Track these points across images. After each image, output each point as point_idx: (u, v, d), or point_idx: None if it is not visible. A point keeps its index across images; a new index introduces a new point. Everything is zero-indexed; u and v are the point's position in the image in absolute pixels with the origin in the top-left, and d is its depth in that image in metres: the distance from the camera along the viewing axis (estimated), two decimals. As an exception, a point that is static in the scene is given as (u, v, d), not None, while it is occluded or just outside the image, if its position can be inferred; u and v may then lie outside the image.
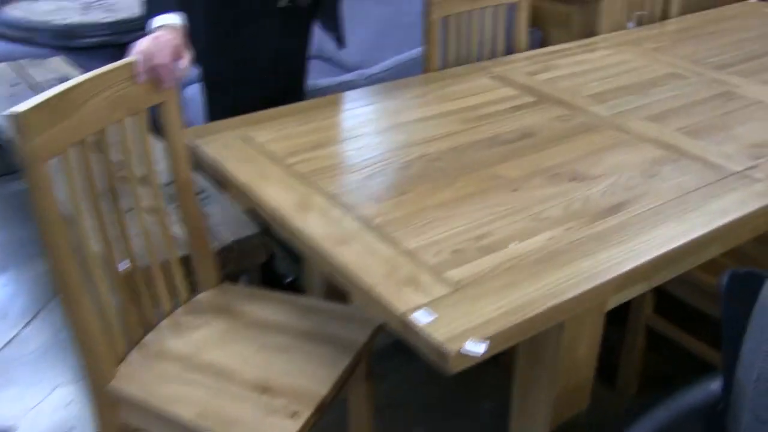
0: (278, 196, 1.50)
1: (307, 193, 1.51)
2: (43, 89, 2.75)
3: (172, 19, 1.61)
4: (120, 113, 1.48)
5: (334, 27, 2.12)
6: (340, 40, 2.14)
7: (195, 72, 2.10)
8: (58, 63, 3.07)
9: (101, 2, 3.72)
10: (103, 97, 1.43)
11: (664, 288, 1.84)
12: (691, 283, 1.83)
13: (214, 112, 2.07)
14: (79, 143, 1.39)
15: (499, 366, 1.85)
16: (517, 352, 1.48)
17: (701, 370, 1.42)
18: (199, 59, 2.04)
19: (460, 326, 1.13)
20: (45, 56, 3.13)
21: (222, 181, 1.65)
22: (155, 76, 1.52)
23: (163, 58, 1.51)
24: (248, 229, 2.02)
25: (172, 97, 1.59)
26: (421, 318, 1.15)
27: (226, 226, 2.03)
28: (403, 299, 1.19)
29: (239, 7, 1.96)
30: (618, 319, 1.79)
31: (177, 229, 1.75)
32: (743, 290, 1.19)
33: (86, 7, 3.62)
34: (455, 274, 1.26)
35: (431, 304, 1.18)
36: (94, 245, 1.43)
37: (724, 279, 1.21)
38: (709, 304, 1.84)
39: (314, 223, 1.41)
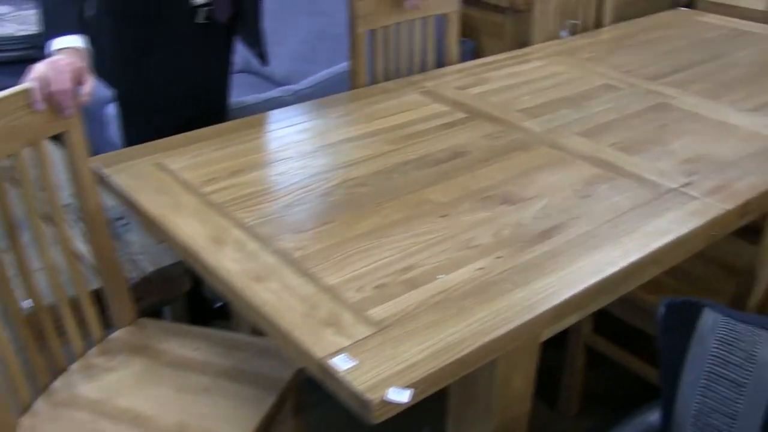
0: (191, 229, 1.40)
1: (222, 225, 1.42)
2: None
3: (72, 42, 1.50)
4: (16, 144, 1.37)
5: (256, 43, 2.02)
6: (262, 57, 2.05)
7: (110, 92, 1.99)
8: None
9: (15, 14, 3.55)
10: (-5, 128, 1.32)
11: (602, 307, 1.78)
12: (630, 303, 1.78)
13: (130, 135, 1.95)
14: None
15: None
16: (450, 386, 1.40)
17: (643, 389, 1.36)
18: (110, 80, 1.93)
19: (383, 372, 1.05)
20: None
21: (135, 214, 1.54)
22: (54, 103, 1.41)
23: (62, 83, 1.40)
24: (170, 257, 1.91)
25: (75, 125, 1.48)
26: (341, 364, 1.06)
27: (147, 255, 1.92)
28: (323, 343, 1.10)
29: (151, 24, 1.85)
30: (557, 340, 1.72)
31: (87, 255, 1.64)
32: (681, 320, 1.13)
33: (0, 20, 3.45)
34: (378, 312, 1.17)
35: (352, 348, 1.09)
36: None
37: (661, 309, 1.15)
38: (648, 322, 1.79)
39: (229, 259, 1.31)
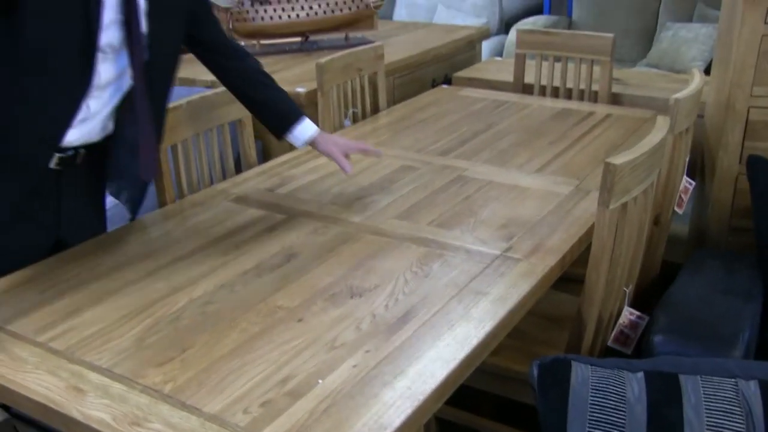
0: (41, 383, 1.31)
1: (75, 371, 1.33)
2: None
3: None
4: None
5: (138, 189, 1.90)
6: (134, 210, 1.93)
7: None
8: None
9: None
10: None
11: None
12: (478, 369, 1.86)
13: None
14: None
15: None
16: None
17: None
18: None
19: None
20: None
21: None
22: None
23: None
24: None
25: None
26: (254, 492, 1.04)
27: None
28: (226, 474, 1.07)
29: None
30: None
31: None
32: (554, 377, 1.22)
33: None
34: (274, 430, 1.16)
35: (259, 473, 1.07)
36: None
37: (533, 371, 1.23)
38: (494, 383, 1.89)
39: (95, 407, 1.24)
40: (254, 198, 2.06)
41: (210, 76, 2.90)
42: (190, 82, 2.86)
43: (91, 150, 1.75)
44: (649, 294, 2.24)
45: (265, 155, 2.84)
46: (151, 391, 1.27)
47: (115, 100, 1.72)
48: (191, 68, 3.14)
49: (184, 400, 1.24)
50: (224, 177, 2.29)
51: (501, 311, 1.47)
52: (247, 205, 2.01)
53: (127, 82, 1.70)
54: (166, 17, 1.71)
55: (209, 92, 2.24)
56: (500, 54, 4.98)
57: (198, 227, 1.89)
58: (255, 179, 2.21)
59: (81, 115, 1.66)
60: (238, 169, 2.36)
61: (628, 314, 1.86)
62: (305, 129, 2.02)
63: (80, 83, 1.62)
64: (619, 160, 1.55)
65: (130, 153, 1.77)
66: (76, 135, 1.69)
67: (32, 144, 1.65)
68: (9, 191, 1.69)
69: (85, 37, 1.57)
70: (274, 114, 2.03)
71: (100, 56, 1.61)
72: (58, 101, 1.62)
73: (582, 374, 1.19)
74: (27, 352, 1.40)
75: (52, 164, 1.69)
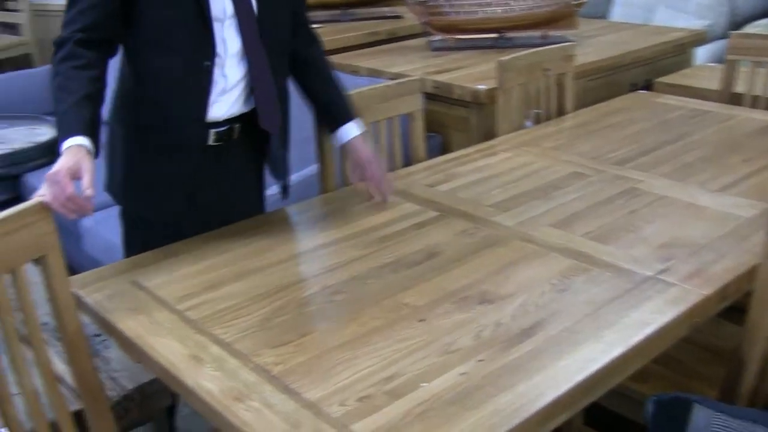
0: (168, 348, 1.38)
1: (200, 342, 1.40)
2: None
3: (77, 141, 1.53)
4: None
5: (282, 175, 1.98)
6: (285, 190, 2.01)
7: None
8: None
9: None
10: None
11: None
12: (617, 393, 1.76)
13: (131, 251, 1.92)
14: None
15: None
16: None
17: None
18: (116, 194, 1.92)
19: (371, 492, 1.02)
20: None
21: (110, 335, 1.52)
22: (70, 209, 1.46)
23: (61, 192, 1.45)
24: (149, 374, 1.87)
25: (52, 249, 1.47)
26: (328, 486, 1.04)
27: (126, 371, 1.88)
28: (308, 464, 1.08)
29: (158, 140, 1.79)
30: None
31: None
32: (671, 417, 1.12)
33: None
34: (363, 427, 1.15)
35: (338, 468, 1.07)
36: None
37: (649, 407, 1.13)
38: (637, 412, 1.77)
39: (208, 378, 1.29)
40: (413, 192, 2.06)
41: (397, 68, 2.95)
42: (377, 73, 2.92)
43: (246, 127, 1.83)
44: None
45: (444, 150, 2.84)
46: (261, 370, 1.30)
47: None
48: (379, 59, 3.21)
49: (288, 383, 1.26)
50: (391, 170, 2.31)
51: (635, 337, 1.37)
52: (404, 199, 2.01)
53: None
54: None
55: (381, 84, 2.26)
56: (722, 60, 4.64)
57: (349, 217, 1.91)
58: (419, 174, 2.20)
59: (219, 86, 1.75)
60: (408, 163, 2.37)
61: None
62: (346, 132, 1.97)
63: (205, 53, 1.71)
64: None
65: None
66: (223, 108, 1.78)
67: (183, 123, 1.76)
68: (175, 175, 1.81)
69: (197, 8, 1.67)
70: (325, 110, 2.02)
71: (217, 25, 1.70)
72: (191, 74, 1.72)
73: (703, 420, 1.08)
74: (164, 317, 1.48)
75: (211, 141, 1.79)
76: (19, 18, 4.88)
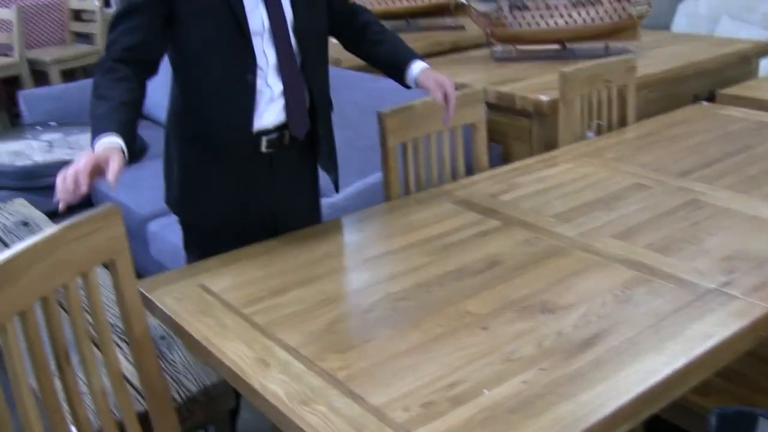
0: (236, 351, 1.43)
1: (266, 346, 1.44)
2: (1, 234, 2.68)
3: (109, 141, 1.57)
4: (68, 276, 1.42)
5: (333, 169, 2.04)
6: (336, 184, 2.07)
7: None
8: (20, 205, 3.00)
9: (66, 139, 3.69)
10: (48, 262, 1.37)
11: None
12: (679, 406, 1.75)
13: (191, 257, 1.98)
14: (21, 313, 1.32)
15: None
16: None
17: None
18: (173, 206, 1.99)
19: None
20: (7, 198, 3.08)
21: (179, 336, 1.57)
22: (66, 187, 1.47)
23: (74, 165, 1.48)
24: (214, 376, 1.92)
25: (122, 253, 1.52)
26: (392, 488, 1.07)
27: (191, 373, 1.94)
28: (372, 466, 1.11)
29: (212, 151, 1.87)
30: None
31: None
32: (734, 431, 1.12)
33: (51, 146, 3.59)
34: (427, 432, 1.18)
35: (402, 471, 1.10)
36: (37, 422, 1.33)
37: (711, 420, 1.14)
38: (699, 426, 1.76)
39: (275, 381, 1.33)
40: (475, 202, 2.08)
41: (460, 78, 2.98)
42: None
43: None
44: None
45: (505, 160, 2.85)
46: (326, 375, 1.33)
47: None
48: (443, 69, 3.22)
49: (352, 388, 1.29)
50: (454, 179, 2.33)
51: (698, 349, 1.37)
52: (467, 208, 2.03)
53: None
54: (308, 5, 1.86)
55: (444, 94, 2.28)
56: (789, 72, 4.56)
57: (413, 225, 1.94)
58: (482, 183, 2.22)
59: (266, 96, 1.82)
60: (470, 172, 2.39)
61: None
62: (413, 68, 2.01)
63: (247, 67, 1.79)
64: None
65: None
66: (272, 116, 1.85)
67: (232, 132, 1.83)
68: (229, 183, 1.88)
69: (236, 24, 1.75)
70: (389, 65, 2.06)
71: (257, 39, 1.78)
72: (235, 87, 1.80)
73: (767, 432, 1.08)
74: (232, 321, 1.53)
75: (263, 148, 1.86)
76: (93, 28, 5.04)
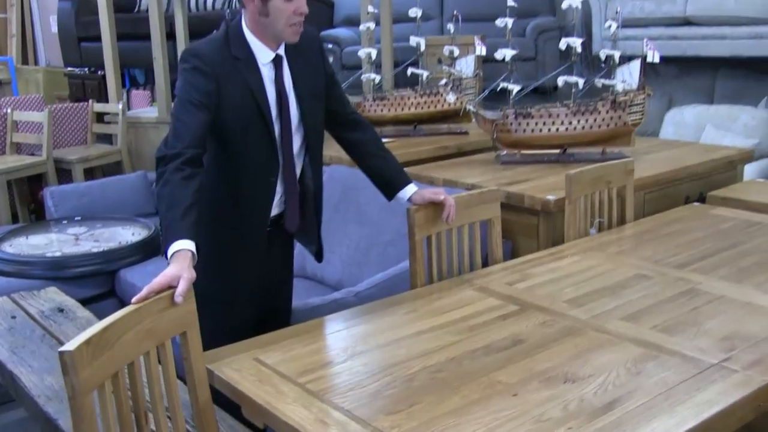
0: (296, 413, 1.61)
1: (323, 408, 1.62)
2: (39, 319, 2.86)
3: (181, 245, 1.83)
4: (150, 344, 1.61)
5: (313, 243, 2.42)
6: (318, 255, 2.43)
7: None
8: (53, 293, 3.19)
9: (91, 233, 3.91)
10: (135, 330, 1.56)
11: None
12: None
13: (204, 330, 2.17)
14: (113, 376, 1.50)
15: None
16: None
17: None
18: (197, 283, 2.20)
19: None
20: (38, 287, 3.26)
21: (239, 402, 1.75)
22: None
23: (149, 288, 1.70)
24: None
25: (192, 325, 1.72)
26: None
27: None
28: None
29: (231, 232, 2.22)
30: None
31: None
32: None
33: (77, 239, 3.81)
34: (474, 478, 1.35)
35: None
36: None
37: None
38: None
39: (335, 438, 1.51)
40: (494, 289, 2.29)
41: (471, 180, 3.23)
42: (452, 184, 3.19)
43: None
44: None
45: (513, 254, 3.07)
46: (381, 432, 1.52)
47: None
48: (452, 171, 3.50)
49: (406, 443, 1.48)
50: (471, 269, 2.55)
51: (705, 414, 1.56)
52: (486, 295, 2.24)
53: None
54: (311, 99, 2.23)
55: (465, 193, 2.53)
56: (771, 177, 4.85)
57: (439, 309, 2.15)
58: (498, 273, 2.44)
59: (279, 194, 2.27)
60: (486, 264, 2.61)
61: None
62: (407, 191, 2.39)
63: (273, 170, 2.22)
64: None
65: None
66: (277, 208, 2.30)
67: (252, 223, 2.25)
68: (244, 261, 2.27)
69: (267, 133, 2.16)
70: (385, 181, 2.42)
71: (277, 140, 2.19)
72: (260, 189, 2.23)
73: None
74: (288, 388, 1.72)
75: (267, 227, 2.28)
76: (115, 129, 5.33)
